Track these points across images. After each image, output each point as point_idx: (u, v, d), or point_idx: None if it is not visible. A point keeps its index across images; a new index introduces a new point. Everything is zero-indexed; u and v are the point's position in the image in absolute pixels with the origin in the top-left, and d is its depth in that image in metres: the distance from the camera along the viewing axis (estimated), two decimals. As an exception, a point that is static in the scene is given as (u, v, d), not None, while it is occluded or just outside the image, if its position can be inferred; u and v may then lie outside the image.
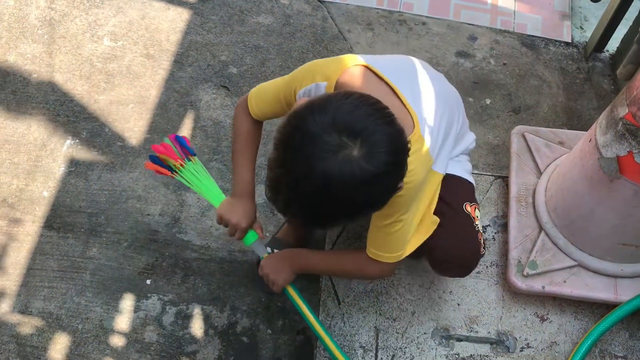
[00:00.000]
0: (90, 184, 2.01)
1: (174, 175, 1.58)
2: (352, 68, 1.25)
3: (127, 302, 1.82)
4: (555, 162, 1.74)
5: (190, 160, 1.58)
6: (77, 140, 2.08)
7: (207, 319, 1.80)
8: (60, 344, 1.76)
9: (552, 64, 2.31)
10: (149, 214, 1.96)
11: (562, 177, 1.62)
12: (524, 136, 1.82)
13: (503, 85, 2.25)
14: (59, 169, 2.03)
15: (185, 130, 2.12)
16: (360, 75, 1.24)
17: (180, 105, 2.16)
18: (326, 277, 1.70)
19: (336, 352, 1.51)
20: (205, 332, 1.78)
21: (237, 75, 2.23)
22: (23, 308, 1.80)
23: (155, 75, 2.21)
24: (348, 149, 0.95)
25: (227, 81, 2.21)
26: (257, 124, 1.49)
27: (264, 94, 1.42)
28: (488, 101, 2.21)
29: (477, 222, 1.44)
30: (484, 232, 1.73)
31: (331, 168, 0.95)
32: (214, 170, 2.05)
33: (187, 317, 1.80)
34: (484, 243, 1.45)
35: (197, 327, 1.79)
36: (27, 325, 1.78)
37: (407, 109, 1.23)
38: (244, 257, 1.89)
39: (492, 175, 1.85)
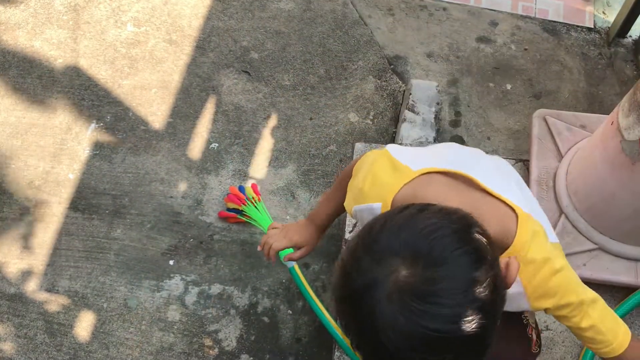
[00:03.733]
0: (115, 167, 2.04)
1: (242, 219, 1.91)
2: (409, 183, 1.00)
3: (151, 282, 1.86)
4: (577, 145, 1.74)
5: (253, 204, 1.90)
6: (102, 124, 2.12)
7: (228, 299, 1.83)
8: (86, 321, 1.80)
9: (573, 49, 2.30)
10: (171, 196, 2.00)
11: (584, 160, 1.62)
12: (545, 119, 1.82)
13: (524, 70, 2.25)
14: (83, 151, 2.07)
15: (208, 114, 2.14)
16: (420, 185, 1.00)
17: (202, 90, 2.19)
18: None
19: (339, 330, 1.55)
20: (227, 312, 1.81)
21: (258, 60, 2.25)
22: (50, 287, 1.85)
23: (177, 61, 2.24)
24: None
25: (249, 66, 2.23)
26: None
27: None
28: (509, 86, 2.21)
29: (525, 315, 1.22)
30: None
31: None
32: (235, 154, 2.07)
33: (209, 297, 1.83)
34: (537, 338, 1.23)
35: (218, 307, 1.82)
36: (54, 303, 1.82)
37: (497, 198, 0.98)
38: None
39: (512, 159, 1.86)
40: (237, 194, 1.92)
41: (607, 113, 1.92)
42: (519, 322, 1.20)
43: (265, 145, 2.09)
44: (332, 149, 2.08)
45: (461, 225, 0.78)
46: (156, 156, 2.07)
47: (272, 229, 1.43)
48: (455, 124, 2.11)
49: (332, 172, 2.03)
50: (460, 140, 2.06)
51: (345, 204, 1.14)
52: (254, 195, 1.91)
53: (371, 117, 2.14)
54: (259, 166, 2.05)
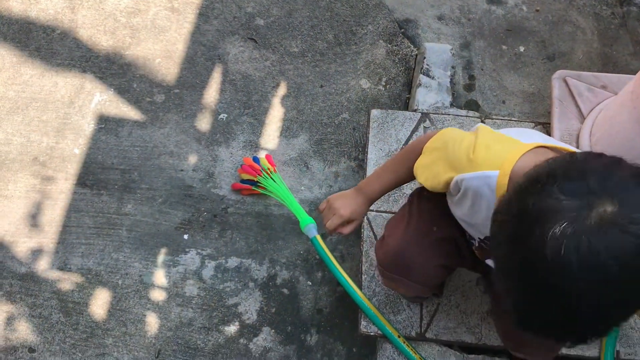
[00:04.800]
0: (121, 141, 1.98)
1: (258, 190, 1.87)
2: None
3: (166, 257, 1.81)
4: (599, 106, 1.71)
5: (269, 175, 1.84)
6: (105, 97, 2.05)
7: (246, 272, 1.80)
8: (101, 299, 1.76)
9: (585, 9, 2.26)
10: (182, 170, 1.94)
11: (609, 120, 1.58)
12: (565, 81, 1.78)
13: (536, 32, 2.20)
14: (88, 125, 2.00)
15: (214, 84, 2.08)
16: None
17: (207, 59, 2.12)
18: (367, 227, 1.68)
19: (368, 303, 1.52)
20: (245, 285, 1.78)
21: (264, 27, 2.18)
22: (62, 265, 1.80)
23: (180, 29, 2.16)
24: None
25: (254, 33, 2.16)
26: None
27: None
28: (522, 49, 2.16)
29: None
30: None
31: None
32: (245, 124, 2.02)
33: (227, 271, 1.80)
34: None
35: (237, 280, 1.79)
36: (67, 281, 1.78)
37: None
38: (280, 211, 1.88)
39: (532, 122, 1.82)
40: (252, 164, 1.87)
41: (622, 73, 1.89)
42: None
43: (276, 114, 2.03)
44: (345, 117, 2.03)
45: None
46: (164, 128, 2.01)
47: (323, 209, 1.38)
48: (469, 88, 2.06)
49: (345, 141, 1.99)
50: (475, 104, 2.02)
51: (425, 176, 1.13)
52: (269, 166, 1.86)
53: (383, 83, 2.09)
54: (270, 136, 2.00)
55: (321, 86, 2.08)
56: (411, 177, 1.23)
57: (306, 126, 2.02)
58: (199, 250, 1.82)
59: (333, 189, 1.91)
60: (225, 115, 2.03)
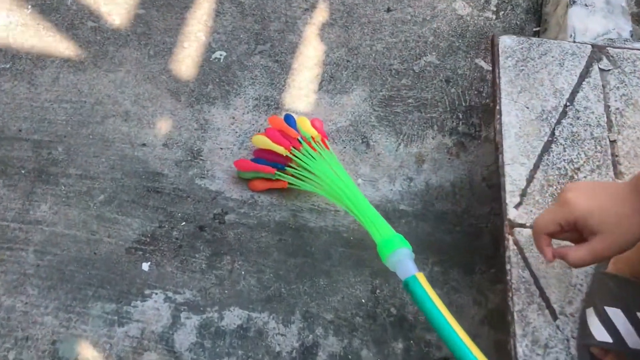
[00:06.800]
0: (39, 92, 1.12)
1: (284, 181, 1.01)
2: None
3: (106, 305, 0.95)
4: None
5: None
6: (17, 18, 1.19)
7: (258, 337, 0.94)
8: (-28, 390, 0.89)
9: None
10: (144, 144, 1.09)
11: None
12: None
13: None
14: (-17, 65, 1.14)
15: (206, 3, 1.22)
16: None
17: (195, -37, 1.26)
18: (520, 262, 0.82)
19: None
20: (258, 365, 0.92)
21: None
22: None
23: None
24: None
25: None
26: None
27: None
28: None
29: None
30: None
31: None
32: (258, 69, 1.16)
33: (222, 335, 0.94)
34: None
35: (241, 354, 0.93)
36: None
37: None
38: (322, 221, 1.03)
39: None
40: (283, 127, 1.02)
41: None
42: None
43: (310, 54, 1.18)
44: (431, 61, 1.18)
45: None
46: (115, 73, 1.15)
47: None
48: (640, 18, 1.22)
49: (433, 101, 1.14)
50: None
51: None
52: (316, 133, 1.01)
53: (493, 8, 1.24)
54: (301, 91, 1.15)
55: (388, 10, 1.23)
56: None
57: (364, 75, 1.17)
58: (170, 294, 0.96)
59: (416, 184, 1.07)
60: (224, 53, 1.18)
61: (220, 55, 1.18)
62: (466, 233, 1.03)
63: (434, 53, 1.19)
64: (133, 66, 1.16)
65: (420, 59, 1.18)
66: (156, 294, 0.96)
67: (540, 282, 0.79)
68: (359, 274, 0.99)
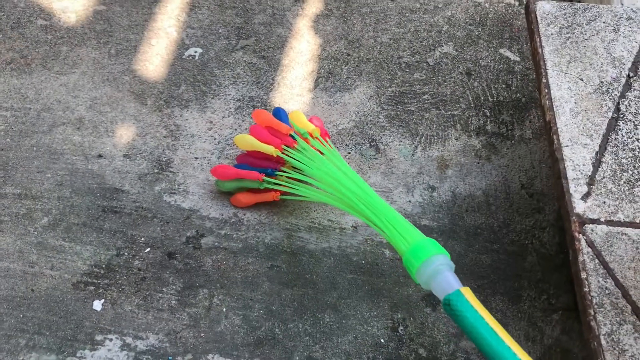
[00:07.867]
0: (-27, 97, 0.92)
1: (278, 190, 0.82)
2: None
3: (42, 358, 0.72)
4: None
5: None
6: (-48, 16, 1.00)
7: (247, 395, 0.70)
8: None
9: None
10: (100, 155, 0.88)
11: None
12: None
13: None
14: None
15: (178, -3, 1.05)
16: None
17: (166, -45, 1.09)
18: (598, 269, 0.60)
19: None
20: None
21: None
22: None
23: None
24: None
25: None
26: None
27: None
28: None
29: None
30: None
31: None
32: (240, 66, 0.97)
33: (197, 394, 0.70)
34: None
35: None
36: None
37: None
38: (324, 242, 0.81)
39: None
40: (272, 123, 0.81)
41: None
42: None
43: (303, 49, 0.99)
44: (448, 52, 1.00)
45: None
46: (69, 75, 0.95)
47: None
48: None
49: (454, 96, 0.95)
50: None
51: None
52: (314, 127, 0.80)
53: (515, -7, 1.07)
54: (293, 89, 0.95)
55: (392, -3, 1.06)
56: None
57: (368, 69, 0.97)
58: (129, 339, 0.73)
59: (440, 195, 0.86)
60: (199, 50, 0.99)
61: (195, 52, 0.99)
62: (507, 252, 0.82)
63: (450, 43, 1.00)
64: (90, 67, 0.96)
65: (434, 50, 1.00)
66: (111, 340, 0.73)
67: (631, 294, 0.58)
68: (374, 306, 0.76)
